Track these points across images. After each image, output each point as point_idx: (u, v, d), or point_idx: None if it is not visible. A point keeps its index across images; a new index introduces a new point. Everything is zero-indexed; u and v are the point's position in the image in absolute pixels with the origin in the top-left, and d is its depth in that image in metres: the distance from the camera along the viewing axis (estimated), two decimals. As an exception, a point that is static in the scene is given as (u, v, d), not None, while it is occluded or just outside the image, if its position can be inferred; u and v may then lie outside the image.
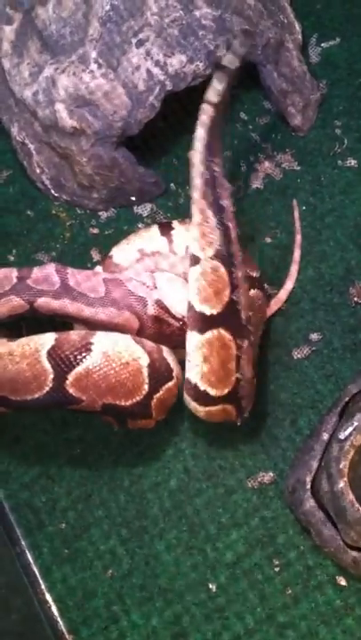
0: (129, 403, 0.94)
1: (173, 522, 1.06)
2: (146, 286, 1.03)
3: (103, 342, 0.94)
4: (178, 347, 1.00)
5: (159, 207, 1.29)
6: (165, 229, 1.10)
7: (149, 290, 1.03)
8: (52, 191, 1.29)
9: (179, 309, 1.01)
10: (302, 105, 1.28)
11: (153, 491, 1.08)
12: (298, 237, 1.20)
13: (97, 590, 1.04)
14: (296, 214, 1.22)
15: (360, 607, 0.97)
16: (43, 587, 1.06)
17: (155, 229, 1.11)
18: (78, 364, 0.92)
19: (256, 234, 1.24)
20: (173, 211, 1.28)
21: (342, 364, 1.12)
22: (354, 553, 0.95)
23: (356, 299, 1.16)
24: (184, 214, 1.27)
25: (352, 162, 1.27)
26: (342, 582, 0.99)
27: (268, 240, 1.23)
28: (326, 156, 1.29)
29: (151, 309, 1.00)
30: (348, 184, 1.25)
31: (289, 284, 1.18)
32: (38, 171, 1.27)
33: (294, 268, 1.19)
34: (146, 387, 0.94)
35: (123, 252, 1.11)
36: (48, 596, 1.05)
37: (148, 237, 1.10)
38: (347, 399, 1.04)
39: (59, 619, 1.04)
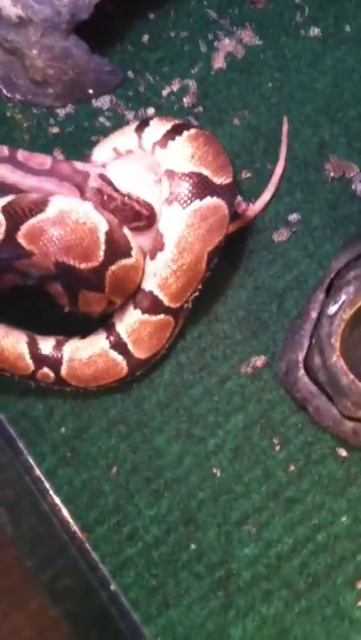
0: (83, 266, 0.92)
1: (172, 414, 1.09)
2: (94, 165, 1.03)
3: (61, 201, 0.94)
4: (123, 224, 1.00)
5: (119, 98, 1.25)
6: (142, 126, 1.07)
7: (94, 167, 1.02)
8: (4, 91, 1.24)
9: (123, 184, 1.00)
10: (259, -27, 1.24)
11: (148, 387, 1.11)
12: (283, 152, 1.18)
13: (104, 488, 1.08)
14: (285, 129, 1.19)
15: (362, 475, 1.03)
16: (50, 491, 1.09)
17: (132, 125, 1.08)
18: (32, 216, 0.92)
19: (223, 117, 1.21)
20: (135, 101, 1.24)
21: (324, 241, 1.13)
22: (352, 423, 0.99)
23: (332, 174, 1.16)
24: (146, 103, 1.24)
25: (316, 30, 1.23)
26: (343, 454, 1.04)
27: (237, 122, 1.21)
28: (288, 27, 1.25)
29: (93, 182, 0.98)
30: (314, 55, 1.22)
31: (267, 195, 1.16)
32: (-13, 71, 1.22)
33: (275, 179, 1.17)
34: (102, 253, 0.93)
35: (100, 150, 1.09)
36: (57, 499, 1.09)
37: (123, 134, 1.08)
38: (331, 276, 1.06)
39: (70, 519, 1.09)
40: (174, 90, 1.24)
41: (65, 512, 1.09)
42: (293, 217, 1.15)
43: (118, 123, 1.23)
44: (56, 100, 1.24)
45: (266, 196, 1.16)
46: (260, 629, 1.00)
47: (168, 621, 1.02)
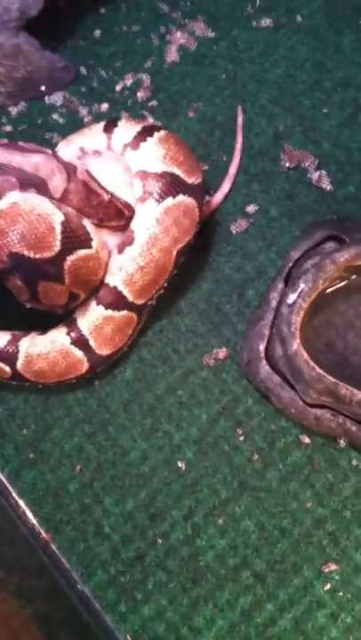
0: (38, 256, 0.93)
1: (135, 410, 1.11)
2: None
3: (14, 195, 0.95)
4: (103, 224, 1.02)
5: (72, 94, 1.27)
6: (110, 126, 1.09)
7: (80, 161, 1.04)
8: None
9: (113, 190, 1.02)
10: (208, -35, 1.26)
11: (110, 384, 1.12)
12: (238, 145, 1.20)
13: (68, 487, 1.09)
14: (240, 120, 1.21)
15: (325, 460, 1.05)
16: (14, 493, 1.10)
17: (99, 125, 1.10)
18: None
19: (178, 109, 1.24)
20: (88, 96, 1.26)
21: (281, 231, 1.16)
22: (314, 410, 1.01)
23: (287, 164, 1.18)
24: (100, 99, 1.26)
25: (267, 21, 1.26)
26: (306, 440, 1.06)
27: (192, 115, 1.23)
28: (240, 18, 1.28)
29: (80, 175, 1.00)
30: (266, 45, 1.25)
31: (226, 186, 1.18)
32: None
33: (233, 170, 1.19)
34: (58, 243, 0.94)
35: (66, 148, 1.10)
36: (20, 502, 1.10)
37: (91, 134, 1.09)
38: (290, 265, 1.08)
39: (34, 521, 1.10)
40: (128, 84, 1.26)
41: (29, 514, 1.10)
42: (251, 208, 1.17)
43: (72, 119, 1.25)
44: (8, 99, 1.25)
45: (225, 187, 1.18)
46: (230, 622, 1.01)
47: (138, 618, 1.04)
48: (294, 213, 1.16)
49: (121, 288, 1.02)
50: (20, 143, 1.02)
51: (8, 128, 1.25)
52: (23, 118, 1.26)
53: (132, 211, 1.02)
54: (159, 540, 1.06)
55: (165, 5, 1.29)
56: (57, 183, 0.98)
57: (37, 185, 0.96)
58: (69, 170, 1.00)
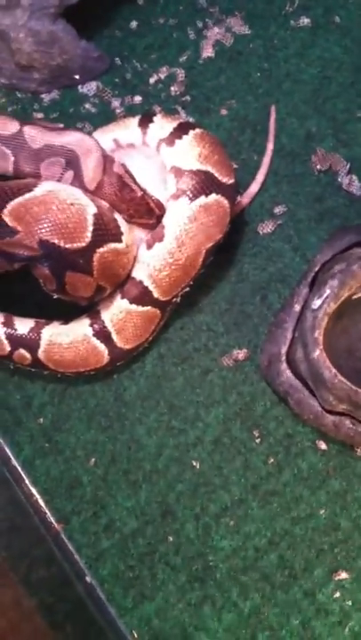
0: (69, 246, 0.94)
1: (152, 406, 1.11)
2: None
3: (49, 185, 0.96)
4: (133, 220, 1.02)
5: (105, 85, 1.27)
6: (145, 121, 1.09)
7: (126, 154, 1.05)
8: (-12, 75, 1.25)
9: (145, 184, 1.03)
10: None
11: (129, 378, 1.13)
12: (270, 145, 1.20)
13: (82, 479, 1.10)
14: (272, 119, 1.21)
15: (342, 469, 1.05)
16: (27, 481, 1.11)
17: (134, 119, 1.10)
18: (20, 195, 0.94)
19: (211, 106, 1.23)
20: (121, 87, 1.26)
21: (309, 234, 1.16)
22: (333, 417, 1.01)
23: (318, 166, 1.18)
24: (133, 91, 1.26)
25: (305, 20, 1.26)
26: (323, 447, 1.06)
27: (224, 112, 1.23)
28: (278, 16, 1.27)
29: (116, 168, 1.00)
30: (302, 45, 1.25)
31: (256, 186, 1.18)
32: (-29, 53, 1.23)
33: (263, 170, 1.19)
34: (89, 234, 0.95)
35: (100, 138, 1.09)
36: (33, 490, 1.11)
37: (125, 127, 1.09)
38: (316, 269, 1.08)
39: (46, 510, 1.10)
40: (162, 78, 1.26)
41: (41, 502, 1.11)
42: (279, 209, 1.17)
43: (104, 109, 1.25)
44: (41, 85, 1.25)
45: (254, 187, 1.18)
46: (236, 622, 1.02)
47: (144, 614, 1.05)
48: (322, 217, 1.16)
49: (147, 283, 1.02)
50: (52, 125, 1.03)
51: (40, 115, 1.25)
52: (55, 106, 1.26)
53: (162, 210, 1.02)
54: (170, 537, 1.06)
55: (204, 0, 1.28)
56: (92, 172, 0.98)
57: (76, 167, 0.97)
58: (107, 161, 1.00)
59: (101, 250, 0.97)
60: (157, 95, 1.26)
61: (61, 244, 0.93)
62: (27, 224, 0.92)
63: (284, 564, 1.03)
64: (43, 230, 0.93)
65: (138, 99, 1.26)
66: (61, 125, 1.05)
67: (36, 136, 1.01)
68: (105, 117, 1.24)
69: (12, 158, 1.02)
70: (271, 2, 1.27)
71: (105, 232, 0.97)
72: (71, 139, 1.00)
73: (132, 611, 1.05)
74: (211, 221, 1.02)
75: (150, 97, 1.26)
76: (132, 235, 1.02)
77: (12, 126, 1.02)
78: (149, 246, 1.02)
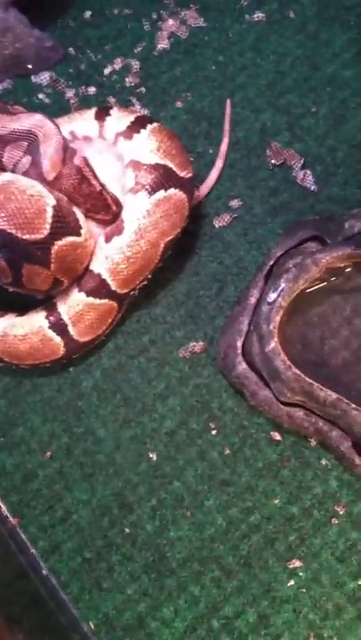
0: (27, 237, 0.94)
1: (109, 398, 1.12)
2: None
3: (8, 176, 0.95)
4: (89, 215, 1.02)
5: (59, 75, 1.26)
6: (101, 113, 1.09)
7: (83, 146, 1.04)
8: None
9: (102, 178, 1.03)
10: None
11: (86, 371, 1.13)
12: (225, 139, 1.21)
13: (37, 472, 1.10)
14: (228, 113, 1.22)
15: (295, 458, 1.07)
16: (-19, 475, 1.11)
17: (90, 112, 1.10)
18: None
19: (166, 98, 1.24)
20: (75, 78, 1.26)
21: (264, 228, 1.17)
22: (287, 408, 1.03)
23: (273, 160, 1.20)
24: (87, 81, 1.26)
25: (260, 15, 1.27)
26: (277, 437, 1.08)
27: (180, 104, 1.23)
28: (233, 10, 1.28)
29: (77, 161, 1.00)
30: (257, 39, 1.26)
31: (212, 179, 1.19)
32: None
33: (219, 163, 1.20)
34: (47, 227, 0.95)
35: None
36: (-12, 484, 1.11)
37: (82, 119, 1.09)
38: (271, 263, 1.09)
39: (1, 504, 1.10)
40: (116, 69, 1.26)
41: (-4, 496, 1.10)
42: (235, 202, 1.18)
43: (58, 99, 1.25)
44: (-7, 74, 1.24)
45: (210, 180, 1.19)
46: (192, 611, 1.03)
47: (101, 605, 1.05)
48: (277, 211, 1.18)
49: (105, 276, 1.03)
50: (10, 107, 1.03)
51: (-8, 105, 1.23)
52: (7, 95, 1.25)
53: (119, 207, 1.02)
54: (126, 529, 1.07)
55: (159, -9, 1.29)
56: (50, 160, 0.97)
57: (35, 153, 0.97)
58: (68, 152, 0.99)
59: (60, 243, 0.97)
60: (112, 86, 1.26)
61: (18, 235, 0.93)
62: None
63: (239, 554, 1.05)
64: (0, 220, 0.92)
65: (92, 89, 1.25)
66: (22, 109, 1.03)
67: (2, 121, 1.00)
68: (59, 108, 1.24)
69: None
70: (226, -5, 1.29)
71: (64, 225, 0.97)
72: (33, 122, 0.99)
73: (89, 602, 1.06)
74: (169, 215, 1.03)
75: (105, 88, 1.26)
76: (89, 228, 1.02)
77: None
78: (108, 239, 1.02)
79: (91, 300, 1.04)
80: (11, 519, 1.10)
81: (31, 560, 1.08)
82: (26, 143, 0.98)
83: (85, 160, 1.00)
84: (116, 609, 1.05)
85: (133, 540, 1.07)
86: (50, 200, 0.95)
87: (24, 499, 1.10)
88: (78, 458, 1.10)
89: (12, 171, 1.00)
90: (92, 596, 1.06)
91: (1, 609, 1.06)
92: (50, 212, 0.95)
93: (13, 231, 0.93)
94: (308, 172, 1.18)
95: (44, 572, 1.08)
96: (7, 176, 0.95)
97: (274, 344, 1.01)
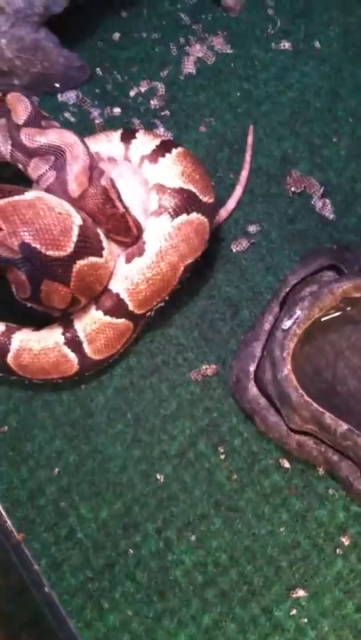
0: (50, 253, 0.95)
1: (118, 417, 1.12)
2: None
3: (36, 193, 0.97)
4: (110, 236, 1.03)
5: (85, 94, 1.28)
6: (127, 136, 1.11)
7: (108, 168, 1.06)
8: (-32, 78, 1.25)
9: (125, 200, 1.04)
10: (234, -18, 1.28)
11: (97, 389, 1.14)
12: (246, 165, 1.22)
13: (44, 488, 1.10)
14: (250, 139, 1.24)
15: (303, 486, 1.07)
16: (-12, 489, 1.11)
17: (116, 134, 1.11)
18: (9, 196, 0.94)
19: (190, 122, 1.25)
20: (101, 98, 1.28)
21: (281, 255, 1.18)
22: (297, 436, 1.03)
23: (293, 188, 1.21)
24: (112, 102, 1.28)
25: (286, 44, 1.29)
26: (286, 465, 1.08)
27: (203, 129, 1.25)
28: (260, 38, 1.30)
29: (104, 181, 1.01)
30: (282, 68, 1.28)
31: (232, 204, 1.21)
32: None
33: (239, 189, 1.21)
34: (71, 245, 0.96)
35: None
36: (-6, 497, 1.11)
37: (108, 141, 1.11)
38: (287, 290, 1.10)
39: (6, 518, 1.10)
40: (142, 91, 1.28)
41: (3, 512, 1.10)
42: (253, 228, 1.19)
43: (83, 119, 1.27)
44: (21, 92, 1.25)
45: (230, 204, 1.21)
46: (194, 637, 1.03)
47: (102, 625, 1.05)
48: (295, 238, 1.19)
49: (123, 296, 1.04)
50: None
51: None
52: (33, 113, 1.27)
53: (140, 231, 1.04)
54: (130, 551, 1.07)
55: (187, 17, 1.31)
56: (76, 179, 0.99)
57: (61, 170, 0.99)
58: (95, 172, 1.01)
59: (82, 262, 0.98)
60: (137, 108, 1.27)
61: (42, 250, 0.94)
62: (12, 224, 0.93)
63: (243, 580, 1.04)
64: (26, 233, 0.93)
65: (117, 110, 1.27)
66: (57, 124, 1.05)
67: (33, 134, 1.02)
68: (83, 127, 1.25)
69: (10, 148, 1.04)
70: (254, 23, 1.30)
71: (88, 244, 0.98)
72: (63, 138, 1.01)
73: (90, 622, 1.05)
74: (190, 239, 1.04)
75: (130, 109, 1.27)
76: (111, 249, 1.03)
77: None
78: (128, 260, 1.04)
79: (108, 318, 1.05)
80: (15, 534, 1.10)
81: (34, 576, 1.08)
82: (53, 157, 1.00)
83: (112, 181, 1.02)
84: (114, 628, 1.05)
85: (137, 562, 1.07)
86: (77, 220, 0.97)
87: (30, 514, 1.10)
88: (86, 476, 1.10)
89: (37, 182, 1.02)
90: (94, 615, 1.05)
91: (1, 624, 1.06)
92: (75, 231, 0.96)
93: (38, 246, 0.94)
94: (328, 200, 1.19)
95: (46, 588, 1.07)
96: (36, 193, 0.97)
97: (287, 371, 1.02)
